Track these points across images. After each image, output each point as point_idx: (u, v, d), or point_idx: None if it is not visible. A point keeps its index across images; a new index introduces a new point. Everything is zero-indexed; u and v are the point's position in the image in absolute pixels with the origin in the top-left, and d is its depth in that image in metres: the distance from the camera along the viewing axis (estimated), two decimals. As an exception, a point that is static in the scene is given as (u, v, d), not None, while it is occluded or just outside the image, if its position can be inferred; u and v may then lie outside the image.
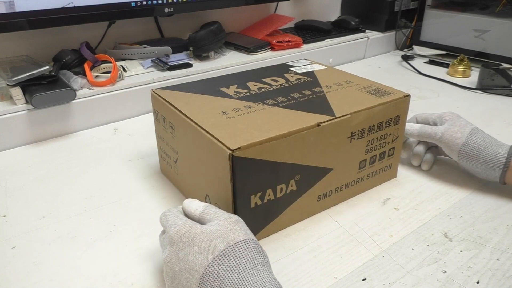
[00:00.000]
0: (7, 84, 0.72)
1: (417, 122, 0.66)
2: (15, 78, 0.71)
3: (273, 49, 1.07)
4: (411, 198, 0.59)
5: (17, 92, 0.72)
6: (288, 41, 1.08)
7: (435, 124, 0.63)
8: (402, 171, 0.65)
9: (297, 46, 1.09)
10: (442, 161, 0.68)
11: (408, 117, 0.65)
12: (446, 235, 0.51)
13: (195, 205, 0.43)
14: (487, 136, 0.58)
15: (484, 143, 0.57)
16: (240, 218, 0.41)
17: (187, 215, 0.43)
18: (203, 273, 0.35)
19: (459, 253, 0.48)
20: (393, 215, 0.55)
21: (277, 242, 0.50)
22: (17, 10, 0.73)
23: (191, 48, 0.96)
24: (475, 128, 0.59)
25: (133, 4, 0.86)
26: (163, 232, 0.43)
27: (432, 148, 0.66)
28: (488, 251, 0.49)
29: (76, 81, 0.80)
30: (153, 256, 0.48)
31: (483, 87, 1.00)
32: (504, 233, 0.51)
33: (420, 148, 0.66)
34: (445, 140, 0.59)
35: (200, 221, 0.42)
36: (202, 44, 0.95)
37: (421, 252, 0.48)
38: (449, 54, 1.21)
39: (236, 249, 0.36)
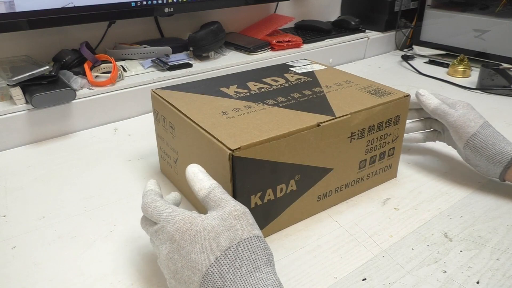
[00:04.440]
0: (7, 84, 0.72)
1: None
2: (15, 78, 0.71)
3: (273, 49, 1.07)
4: (411, 198, 0.59)
5: (17, 92, 0.72)
6: (288, 41, 1.08)
7: None
8: (402, 171, 0.65)
9: (297, 46, 1.09)
10: (443, 160, 0.68)
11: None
12: (446, 235, 0.51)
13: (199, 185, 0.41)
14: (497, 132, 0.58)
15: (494, 138, 0.57)
16: (246, 210, 0.39)
17: (189, 187, 0.42)
18: (205, 273, 0.35)
19: (459, 253, 0.48)
20: (393, 215, 0.55)
21: (277, 242, 0.50)
22: (17, 10, 0.73)
23: (191, 48, 0.96)
24: (487, 122, 0.59)
25: (133, 4, 0.86)
26: (149, 221, 0.42)
27: (432, 132, 0.66)
28: (488, 251, 0.49)
29: (76, 81, 0.80)
30: (153, 256, 0.48)
31: (483, 87, 1.00)
32: (504, 233, 0.51)
33: (412, 126, 0.67)
34: (457, 125, 0.59)
35: (203, 203, 0.40)
36: (202, 44, 0.95)
37: (421, 252, 0.48)
38: (449, 54, 1.21)
39: (239, 249, 0.36)
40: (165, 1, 0.90)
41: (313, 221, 0.54)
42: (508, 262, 0.47)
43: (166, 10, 0.91)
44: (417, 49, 1.28)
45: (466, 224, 0.53)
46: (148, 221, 0.42)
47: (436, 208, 0.57)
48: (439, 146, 0.71)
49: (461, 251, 0.49)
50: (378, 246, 0.49)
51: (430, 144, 0.73)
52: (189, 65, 0.92)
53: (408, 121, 0.66)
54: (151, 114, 0.62)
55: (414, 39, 1.30)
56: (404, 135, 0.66)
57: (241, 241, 0.36)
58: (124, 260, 0.47)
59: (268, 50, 1.06)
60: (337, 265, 0.47)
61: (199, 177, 0.41)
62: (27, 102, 0.73)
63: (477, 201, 0.58)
